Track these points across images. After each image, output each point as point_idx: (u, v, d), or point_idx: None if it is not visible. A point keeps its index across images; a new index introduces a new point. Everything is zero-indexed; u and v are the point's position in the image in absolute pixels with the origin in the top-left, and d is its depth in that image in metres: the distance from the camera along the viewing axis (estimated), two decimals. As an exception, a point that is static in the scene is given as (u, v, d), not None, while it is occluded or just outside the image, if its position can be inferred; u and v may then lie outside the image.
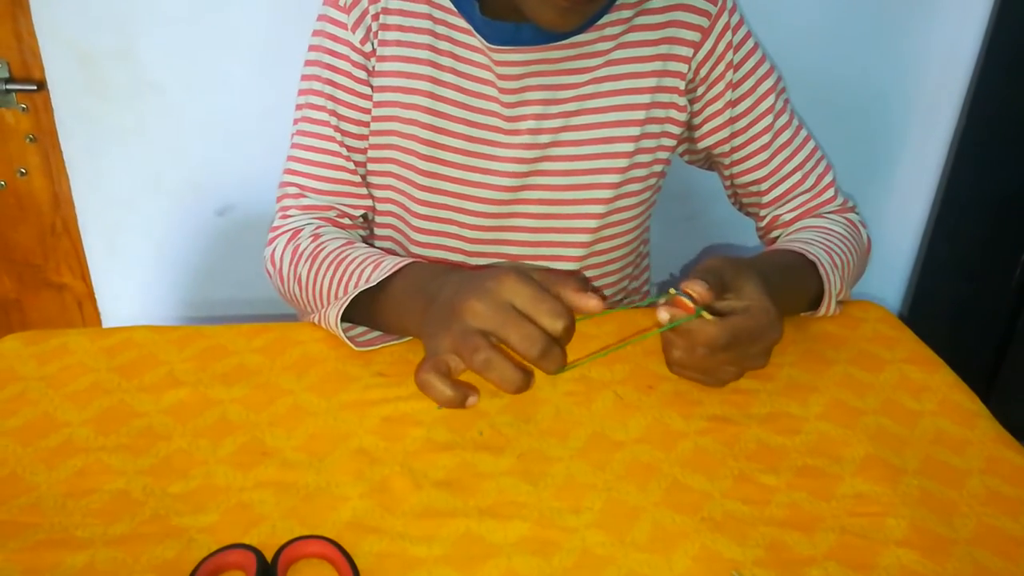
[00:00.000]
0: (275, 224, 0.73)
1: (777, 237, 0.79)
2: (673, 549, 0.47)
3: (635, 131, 0.72)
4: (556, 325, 0.50)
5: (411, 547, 0.46)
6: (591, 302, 0.52)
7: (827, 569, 0.46)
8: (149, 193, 1.09)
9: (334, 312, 0.60)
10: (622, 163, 0.73)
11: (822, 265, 0.66)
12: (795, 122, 0.77)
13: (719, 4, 0.72)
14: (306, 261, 0.67)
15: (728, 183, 0.81)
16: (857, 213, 0.79)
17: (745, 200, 0.81)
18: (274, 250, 0.71)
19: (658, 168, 0.77)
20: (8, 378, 0.57)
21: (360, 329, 0.65)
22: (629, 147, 0.73)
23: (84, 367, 0.58)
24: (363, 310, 0.62)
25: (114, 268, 1.16)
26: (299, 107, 0.74)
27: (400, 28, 0.70)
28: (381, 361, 0.62)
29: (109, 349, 0.60)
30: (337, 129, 0.72)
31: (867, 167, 1.14)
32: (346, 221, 0.75)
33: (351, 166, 0.73)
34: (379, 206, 0.77)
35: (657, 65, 0.71)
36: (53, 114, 1.04)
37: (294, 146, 0.74)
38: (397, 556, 0.46)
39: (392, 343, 0.63)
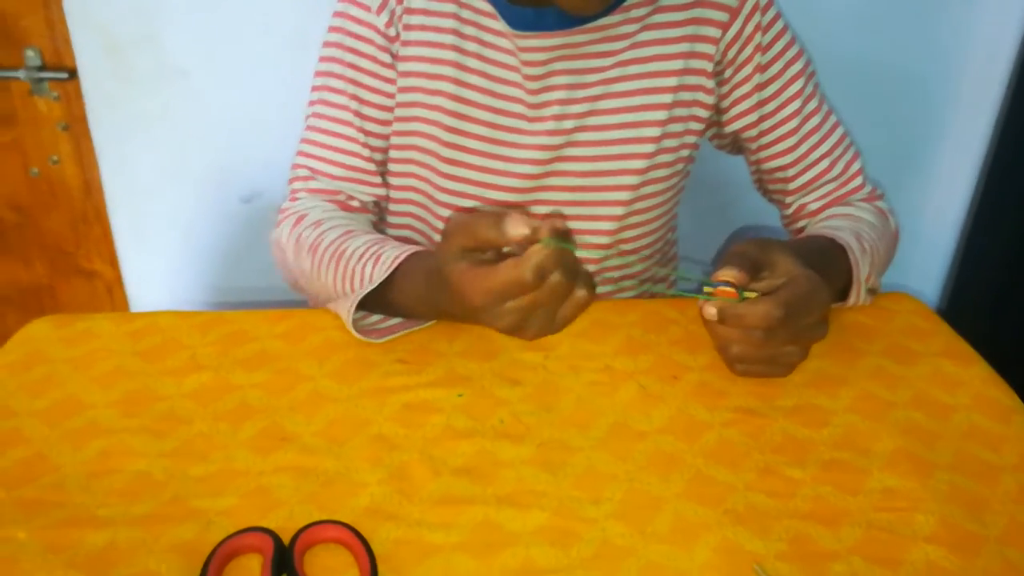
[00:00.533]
0: (284, 206, 0.73)
1: (803, 227, 0.77)
2: (694, 541, 0.46)
3: (662, 115, 0.71)
4: (514, 231, 0.47)
5: (428, 534, 0.46)
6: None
7: (852, 564, 0.45)
8: (175, 180, 1.10)
9: (345, 314, 0.60)
10: (648, 148, 0.72)
11: (851, 251, 0.65)
12: (824, 108, 0.75)
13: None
14: (308, 253, 0.66)
15: (754, 168, 0.80)
16: (886, 201, 0.77)
17: (771, 187, 0.79)
18: (280, 235, 0.71)
19: (685, 153, 0.75)
20: (36, 360, 0.58)
21: (376, 317, 0.64)
22: (656, 131, 0.71)
23: (109, 351, 0.59)
24: (375, 303, 0.61)
25: (141, 254, 1.17)
26: (316, 88, 0.73)
27: (425, 12, 0.69)
28: (402, 349, 0.61)
29: (134, 333, 0.60)
30: (357, 113, 0.71)
31: (906, 157, 1.11)
32: (355, 204, 0.73)
33: (367, 152, 0.72)
34: (399, 194, 0.76)
35: (684, 47, 0.70)
36: (84, 101, 1.06)
37: (309, 128, 0.73)
38: (414, 543, 0.45)
39: (412, 330, 0.63)
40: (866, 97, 1.02)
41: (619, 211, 0.75)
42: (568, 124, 0.71)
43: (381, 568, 0.43)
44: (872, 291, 0.67)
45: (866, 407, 0.57)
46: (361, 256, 0.61)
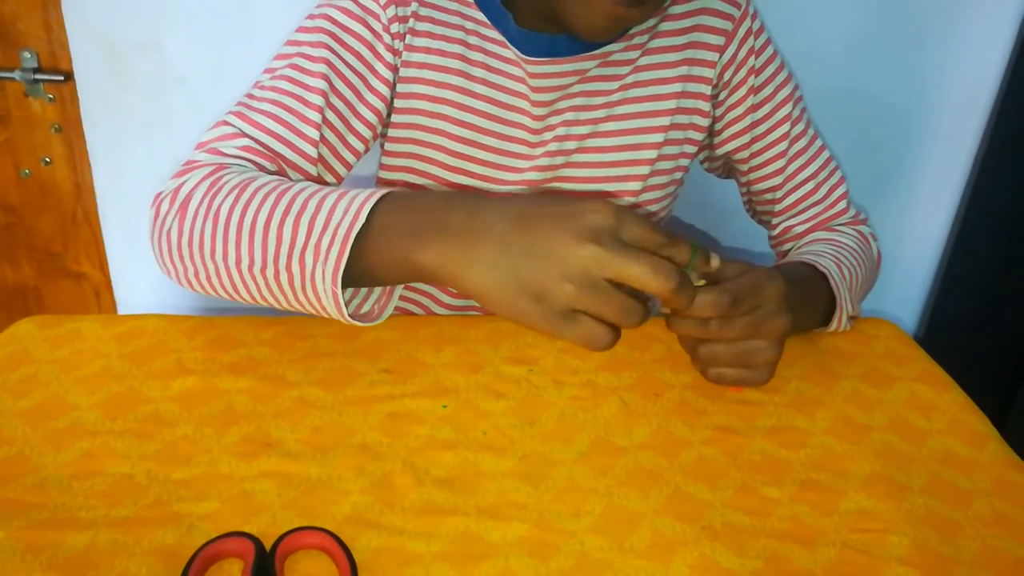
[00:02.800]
0: (190, 158, 0.59)
1: (789, 250, 0.78)
2: (671, 557, 0.47)
3: (659, 137, 0.72)
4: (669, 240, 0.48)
5: (409, 543, 0.46)
6: None
7: (829, 589, 0.46)
8: (164, 181, 1.10)
9: (329, 268, 0.47)
10: (644, 170, 0.73)
11: (832, 277, 0.66)
12: (811, 131, 0.77)
13: (742, 9, 0.72)
14: (230, 193, 0.52)
15: (744, 190, 0.81)
16: (868, 226, 0.79)
17: (759, 208, 0.81)
18: (182, 183, 0.56)
19: (678, 175, 0.77)
20: (21, 360, 0.58)
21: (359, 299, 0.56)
22: (652, 153, 0.73)
23: (95, 352, 0.59)
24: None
25: (132, 258, 1.17)
26: (283, 56, 0.64)
27: (430, 35, 0.67)
28: (388, 358, 0.62)
29: (120, 336, 0.60)
30: (326, 101, 0.62)
31: (887, 184, 1.13)
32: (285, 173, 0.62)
33: (314, 134, 0.61)
34: None
35: (683, 70, 0.72)
36: (79, 104, 1.06)
37: (254, 96, 0.62)
38: (395, 551, 0.46)
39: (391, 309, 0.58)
40: (850, 124, 1.04)
41: None
42: (570, 145, 0.71)
43: (362, 574, 0.44)
44: (852, 316, 0.69)
45: (843, 429, 0.58)
46: (315, 192, 0.50)
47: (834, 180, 0.78)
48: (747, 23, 0.72)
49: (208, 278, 0.54)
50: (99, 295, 1.23)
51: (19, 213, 1.17)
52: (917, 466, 0.55)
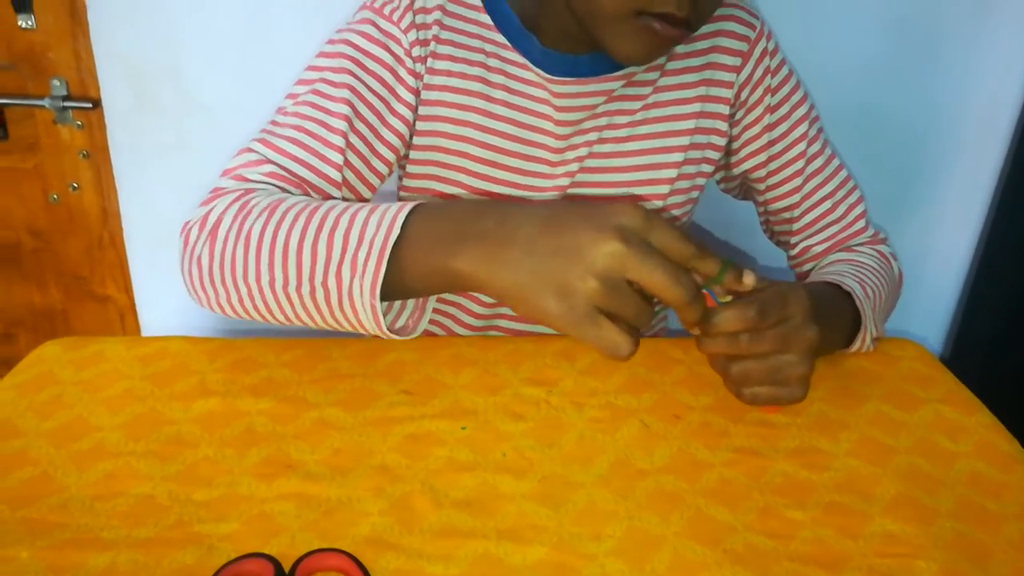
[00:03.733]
0: (217, 186, 0.60)
1: (810, 270, 0.78)
2: (692, 581, 0.46)
3: (679, 156, 0.72)
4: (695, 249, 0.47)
5: (428, 566, 0.46)
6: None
7: (852, 612, 0.45)
8: (192, 210, 1.12)
9: (367, 282, 0.47)
10: (664, 189, 0.73)
11: (856, 296, 0.65)
12: (827, 151, 0.77)
13: (757, 29, 0.72)
14: (260, 215, 0.52)
15: (762, 210, 0.81)
16: (888, 245, 0.78)
17: (776, 228, 0.80)
18: (211, 208, 0.56)
19: (694, 195, 0.77)
20: (46, 382, 0.58)
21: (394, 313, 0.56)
22: (672, 173, 0.73)
23: (119, 374, 0.60)
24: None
25: (155, 281, 1.19)
26: (305, 82, 0.64)
27: (452, 59, 0.67)
28: (407, 380, 0.62)
29: (144, 357, 0.61)
30: (350, 125, 0.62)
31: (911, 203, 1.12)
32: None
33: (339, 159, 0.61)
34: None
35: (701, 91, 0.72)
36: (106, 131, 1.08)
37: (277, 123, 0.63)
38: (414, 573, 0.46)
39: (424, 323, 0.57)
40: (871, 144, 1.04)
41: None
42: (592, 163, 0.72)
43: (379, 598, 0.43)
44: (876, 338, 0.68)
45: (867, 451, 0.57)
46: (344, 209, 0.50)
47: (852, 199, 0.77)
48: (762, 43, 0.72)
49: (241, 301, 0.54)
50: (123, 318, 1.24)
51: (47, 237, 1.19)
52: (944, 489, 0.54)
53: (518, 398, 0.61)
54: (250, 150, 0.62)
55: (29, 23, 1.03)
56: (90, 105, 1.07)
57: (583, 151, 0.71)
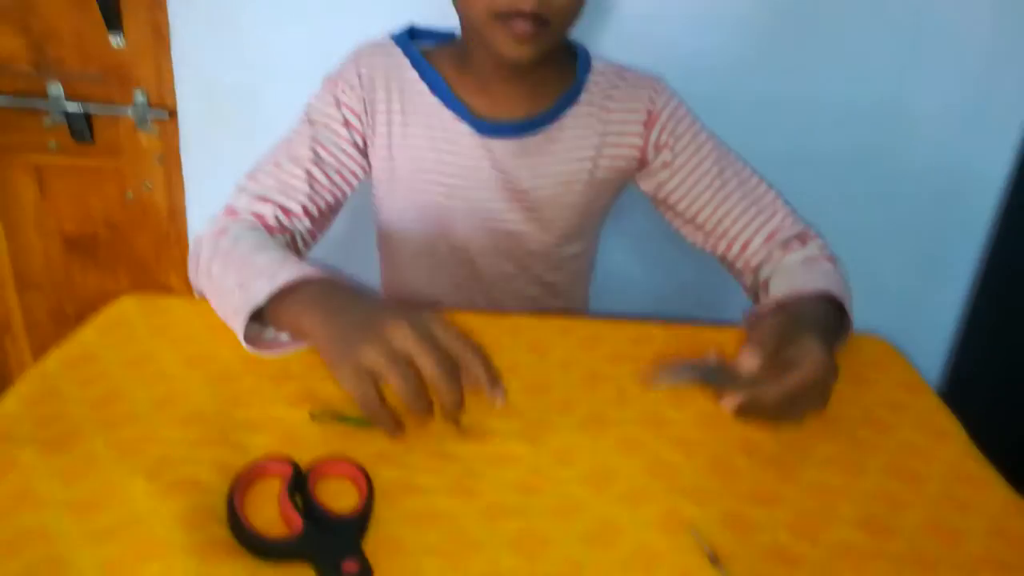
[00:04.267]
0: (215, 216, 0.80)
1: (758, 270, 0.87)
2: (642, 506, 0.54)
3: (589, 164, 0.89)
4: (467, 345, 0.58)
5: (420, 476, 0.55)
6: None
7: (776, 535, 0.53)
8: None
9: (237, 325, 0.64)
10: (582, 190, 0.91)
11: (847, 306, 0.74)
12: (742, 171, 0.89)
13: (655, 100, 0.88)
14: (219, 258, 0.72)
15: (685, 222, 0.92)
16: (823, 240, 0.87)
17: (710, 242, 0.91)
18: (202, 237, 0.77)
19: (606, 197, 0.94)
20: (121, 325, 0.70)
21: (271, 331, 0.69)
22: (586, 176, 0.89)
23: (180, 322, 0.71)
24: (269, 316, 0.66)
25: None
26: (282, 141, 0.87)
27: (396, 124, 0.87)
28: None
29: (202, 312, 0.72)
30: (313, 162, 0.84)
31: (912, 234, 1.19)
32: (280, 219, 0.80)
33: (306, 188, 0.82)
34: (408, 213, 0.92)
35: (608, 139, 0.89)
36: (179, 138, 1.22)
37: (259, 164, 0.85)
38: (407, 481, 0.55)
39: (297, 348, 0.68)
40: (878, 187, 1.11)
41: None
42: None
43: (377, 497, 0.53)
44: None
45: (816, 419, 0.65)
46: (262, 271, 0.67)
47: (774, 201, 0.88)
48: (662, 106, 0.88)
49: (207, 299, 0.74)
50: (182, 306, 1.37)
51: (121, 231, 1.33)
52: (879, 452, 0.62)
53: (517, 360, 0.70)
54: (239, 186, 0.84)
55: (119, 42, 1.18)
56: (167, 115, 1.21)
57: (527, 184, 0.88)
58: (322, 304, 0.63)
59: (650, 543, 0.52)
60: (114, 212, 1.32)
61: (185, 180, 1.26)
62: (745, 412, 0.62)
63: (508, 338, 0.73)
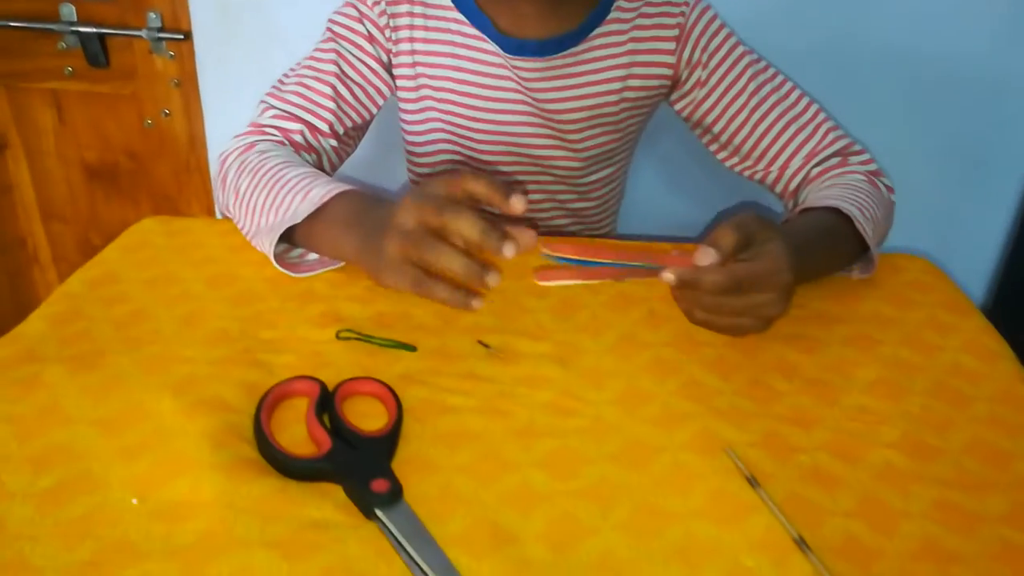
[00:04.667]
0: (240, 132, 0.78)
1: (797, 192, 0.83)
2: (676, 427, 0.53)
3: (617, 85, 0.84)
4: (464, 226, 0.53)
5: (450, 397, 0.54)
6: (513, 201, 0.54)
7: (815, 457, 0.51)
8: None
9: (267, 244, 0.64)
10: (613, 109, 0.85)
11: (858, 221, 0.68)
12: (782, 84, 0.84)
13: (687, 15, 0.82)
14: (248, 174, 0.70)
15: (725, 153, 0.88)
16: (872, 163, 0.82)
17: (747, 165, 0.87)
18: (227, 156, 0.75)
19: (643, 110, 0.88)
20: (144, 246, 0.69)
21: (297, 251, 0.69)
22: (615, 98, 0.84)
23: (202, 242, 0.70)
24: (299, 235, 0.66)
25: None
26: (307, 58, 0.83)
27: (419, 39, 0.82)
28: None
29: (223, 232, 0.71)
30: (338, 78, 0.80)
31: (955, 146, 1.13)
32: (307, 137, 0.78)
33: (332, 105, 0.79)
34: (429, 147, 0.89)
35: (629, 53, 0.83)
36: (196, 61, 1.19)
37: (283, 79, 0.82)
38: (437, 403, 0.54)
39: (329, 268, 0.67)
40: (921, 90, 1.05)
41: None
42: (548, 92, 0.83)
43: (406, 417, 0.52)
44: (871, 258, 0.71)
45: (857, 342, 0.63)
46: (293, 187, 0.66)
47: (819, 118, 0.83)
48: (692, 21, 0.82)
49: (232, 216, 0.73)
50: (205, 235, 1.36)
51: (141, 159, 1.32)
52: (923, 374, 0.59)
53: (538, 325, 0.68)
54: (263, 102, 0.81)
55: (131, -41, 1.14)
56: (181, 36, 1.18)
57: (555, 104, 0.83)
58: (357, 219, 0.62)
59: (685, 463, 0.50)
60: (134, 140, 1.30)
61: (203, 105, 1.23)
62: (688, 300, 0.58)
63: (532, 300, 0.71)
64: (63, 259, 1.41)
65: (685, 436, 0.52)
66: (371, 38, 0.82)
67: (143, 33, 1.18)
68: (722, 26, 0.84)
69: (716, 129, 0.86)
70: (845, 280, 0.70)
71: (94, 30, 1.18)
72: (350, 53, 0.82)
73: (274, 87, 0.82)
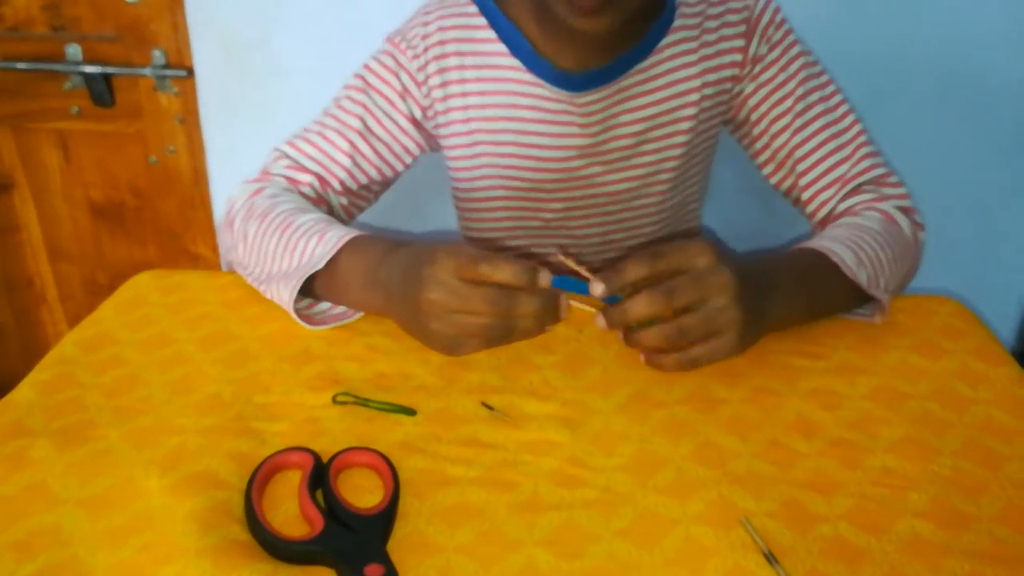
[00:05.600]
0: (250, 178, 0.76)
1: (824, 219, 0.80)
2: (690, 496, 0.50)
3: (690, 118, 0.79)
4: (505, 272, 0.52)
5: (450, 467, 0.52)
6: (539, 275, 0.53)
7: (838, 528, 0.48)
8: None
9: (285, 292, 0.62)
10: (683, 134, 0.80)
11: (845, 263, 0.64)
12: (831, 98, 0.79)
13: (752, 7, 0.77)
14: (256, 219, 0.68)
15: (765, 160, 0.83)
16: (900, 196, 0.77)
17: (786, 182, 0.82)
18: (234, 199, 0.74)
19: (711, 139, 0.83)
20: (139, 303, 0.67)
21: (306, 301, 0.67)
22: (689, 124, 0.79)
23: (197, 299, 0.68)
24: (317, 285, 0.64)
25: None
26: (331, 105, 0.79)
27: (472, 93, 0.77)
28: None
29: (219, 287, 0.69)
30: (360, 134, 0.77)
31: (982, 180, 1.10)
32: (316, 188, 0.76)
33: (348, 162, 0.76)
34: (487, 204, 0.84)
35: (703, 62, 0.78)
36: (198, 97, 1.18)
37: (305, 129, 0.78)
38: (436, 473, 0.51)
39: (349, 320, 0.66)
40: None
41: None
42: (626, 142, 0.79)
43: (403, 491, 0.49)
44: (883, 305, 0.66)
45: (883, 396, 0.59)
46: (306, 231, 0.64)
47: (859, 140, 0.78)
48: (758, 16, 0.77)
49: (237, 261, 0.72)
50: (213, 272, 1.35)
51: (146, 197, 1.31)
52: (953, 431, 0.56)
53: (551, 335, 0.65)
54: (278, 149, 0.78)
55: (134, -2, 1.13)
56: (185, 73, 1.17)
57: (620, 142, 0.78)
58: (377, 266, 0.60)
59: (699, 538, 0.47)
60: (139, 178, 1.29)
61: (206, 141, 1.23)
62: (642, 349, 0.58)
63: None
64: (70, 298, 1.40)
65: (699, 506, 0.49)
66: (404, 93, 0.78)
67: (148, 71, 1.18)
68: (784, 20, 0.79)
69: (757, 130, 0.81)
70: (868, 326, 0.67)
71: (99, 70, 1.18)
72: (379, 107, 0.78)
73: (295, 135, 0.79)
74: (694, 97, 0.78)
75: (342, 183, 0.77)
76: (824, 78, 0.80)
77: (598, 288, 0.54)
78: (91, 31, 1.17)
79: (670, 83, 0.77)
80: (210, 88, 1.16)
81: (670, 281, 0.54)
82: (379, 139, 0.78)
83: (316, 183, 0.75)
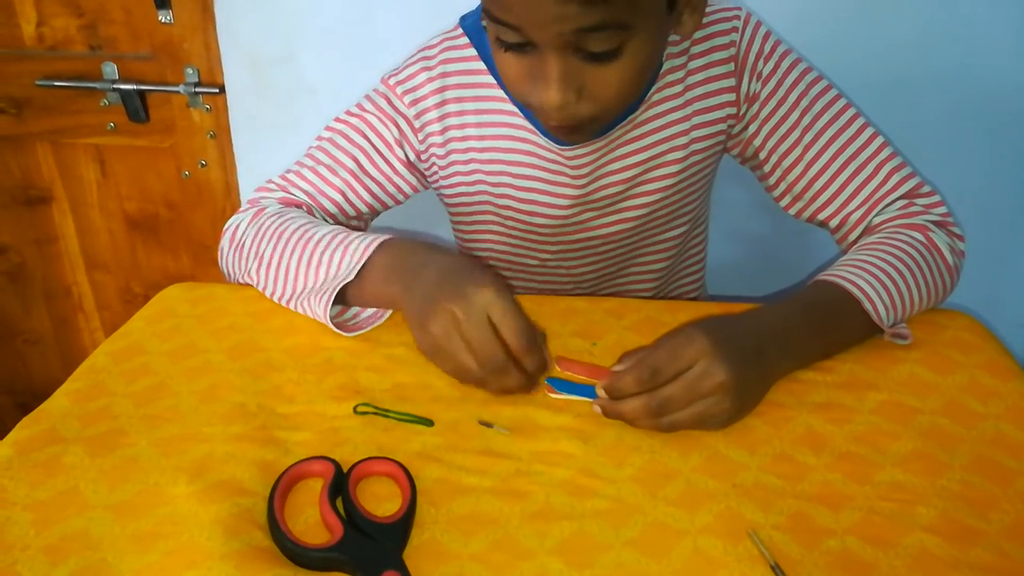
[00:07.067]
0: (241, 207, 0.77)
1: (856, 239, 0.77)
2: (699, 508, 0.51)
3: (680, 154, 0.77)
4: (527, 360, 0.58)
5: (466, 477, 0.53)
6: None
7: (845, 541, 0.49)
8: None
9: (321, 308, 0.65)
10: (671, 176, 0.79)
11: (857, 299, 0.64)
12: (840, 117, 0.76)
13: (739, 31, 0.74)
14: (270, 240, 0.70)
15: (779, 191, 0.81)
16: (932, 212, 0.74)
17: (806, 207, 0.79)
18: (238, 225, 0.75)
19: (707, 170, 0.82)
20: (168, 315, 0.70)
21: (336, 308, 0.69)
22: (676, 167, 0.78)
23: (225, 311, 0.70)
24: (349, 292, 0.66)
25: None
26: (326, 133, 0.79)
27: (471, 138, 0.77)
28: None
29: (246, 299, 0.72)
30: (352, 174, 0.77)
31: (994, 192, 1.09)
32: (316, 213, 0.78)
33: (339, 198, 0.77)
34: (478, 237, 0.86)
35: (694, 99, 0.76)
36: (228, 113, 1.22)
37: (297, 163, 0.79)
38: (452, 482, 0.53)
39: (382, 321, 0.69)
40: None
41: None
42: (614, 189, 0.79)
43: (420, 500, 0.51)
44: (896, 329, 0.66)
45: (892, 410, 0.60)
46: (328, 244, 0.67)
47: (881, 155, 0.75)
48: (747, 41, 0.75)
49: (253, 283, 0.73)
50: (242, 282, 1.39)
51: (179, 209, 1.35)
52: (963, 446, 0.56)
53: (564, 348, 0.67)
54: (271, 182, 0.79)
55: (168, 18, 1.17)
56: (216, 90, 1.20)
57: (608, 191, 0.79)
58: (403, 268, 0.64)
59: (707, 549, 0.48)
60: (172, 191, 1.33)
61: (236, 156, 1.26)
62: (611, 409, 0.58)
63: (556, 323, 0.70)
64: (106, 307, 1.44)
65: (708, 518, 0.50)
66: (401, 139, 0.78)
67: (180, 88, 1.21)
68: (775, 46, 0.75)
69: (768, 166, 0.78)
70: (878, 340, 0.67)
71: (134, 87, 1.22)
72: (375, 149, 0.78)
73: (288, 169, 0.79)
74: (682, 140, 0.77)
75: (333, 217, 0.79)
76: (831, 95, 0.76)
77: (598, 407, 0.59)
78: (127, 50, 1.21)
79: (658, 128, 0.76)
80: (240, 104, 1.19)
81: (663, 389, 0.56)
82: (372, 179, 0.79)
83: (305, 211, 0.77)
